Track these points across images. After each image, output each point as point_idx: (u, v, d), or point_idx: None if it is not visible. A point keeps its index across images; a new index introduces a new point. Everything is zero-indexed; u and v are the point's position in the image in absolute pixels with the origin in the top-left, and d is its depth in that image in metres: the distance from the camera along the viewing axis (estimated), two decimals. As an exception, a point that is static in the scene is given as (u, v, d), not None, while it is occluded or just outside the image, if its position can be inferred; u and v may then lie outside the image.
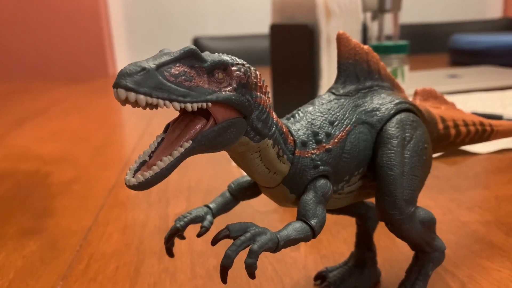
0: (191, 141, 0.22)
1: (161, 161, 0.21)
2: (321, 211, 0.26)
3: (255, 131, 0.24)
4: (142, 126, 0.93)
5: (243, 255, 0.28)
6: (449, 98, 0.99)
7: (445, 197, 0.51)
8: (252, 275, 0.23)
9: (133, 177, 0.21)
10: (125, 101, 0.20)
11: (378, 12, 0.76)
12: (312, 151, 0.27)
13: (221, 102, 0.22)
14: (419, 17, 2.15)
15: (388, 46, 0.69)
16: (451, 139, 0.36)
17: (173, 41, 2.25)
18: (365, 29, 0.73)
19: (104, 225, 0.49)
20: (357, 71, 0.31)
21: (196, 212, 0.29)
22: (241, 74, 0.23)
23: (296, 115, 0.29)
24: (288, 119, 0.29)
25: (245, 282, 0.37)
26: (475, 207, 0.48)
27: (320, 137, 0.27)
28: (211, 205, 0.30)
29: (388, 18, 0.76)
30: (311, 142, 0.27)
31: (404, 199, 0.28)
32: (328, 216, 0.45)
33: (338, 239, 0.43)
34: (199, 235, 0.28)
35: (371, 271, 0.36)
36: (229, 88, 0.23)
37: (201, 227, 0.28)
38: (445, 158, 0.64)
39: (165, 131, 0.23)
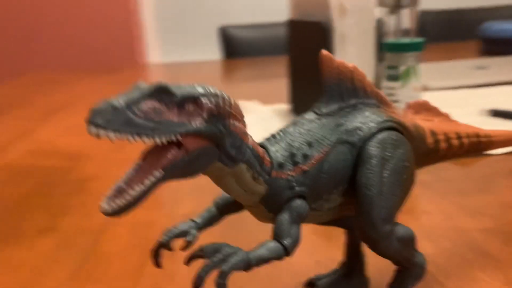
0: (161, 170, 0.23)
1: (133, 189, 0.23)
2: (295, 231, 0.28)
3: (228, 158, 0.26)
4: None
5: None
6: (471, 91, 0.97)
7: (448, 202, 0.51)
8: (223, 293, 0.25)
9: (108, 204, 0.23)
10: (97, 137, 0.22)
11: (395, 7, 0.75)
12: (289, 173, 0.28)
13: (190, 134, 0.24)
14: (449, 3, 2.08)
15: (402, 44, 0.68)
16: (441, 153, 0.36)
17: (200, 30, 2.27)
18: (380, 25, 0.73)
19: (115, 224, 0.51)
20: (341, 90, 0.31)
21: (181, 226, 0.30)
22: (212, 106, 0.24)
23: (277, 135, 0.30)
24: (268, 139, 0.30)
25: (238, 286, 0.39)
26: (476, 213, 0.48)
27: (297, 159, 0.29)
28: (197, 220, 0.31)
29: (405, 13, 0.75)
30: (287, 164, 0.28)
31: (381, 218, 0.29)
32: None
33: (334, 245, 0.44)
34: (182, 249, 0.30)
35: (359, 280, 0.37)
36: (199, 120, 0.24)
37: (186, 242, 0.30)
38: (455, 160, 0.63)
39: (143, 157, 0.25)
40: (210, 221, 0.32)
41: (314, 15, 0.76)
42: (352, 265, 0.37)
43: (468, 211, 0.49)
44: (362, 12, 0.70)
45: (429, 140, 0.35)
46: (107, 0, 2.18)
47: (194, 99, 0.24)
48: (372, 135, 0.31)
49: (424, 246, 0.43)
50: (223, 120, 0.25)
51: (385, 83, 0.70)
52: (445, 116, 0.38)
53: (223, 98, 0.25)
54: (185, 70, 1.59)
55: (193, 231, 0.31)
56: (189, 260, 0.26)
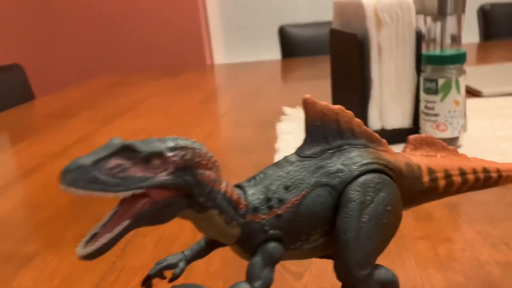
0: (129, 220, 0.26)
1: (102, 237, 0.25)
2: (267, 274, 0.29)
3: (198, 205, 0.27)
4: (209, 127, 0.99)
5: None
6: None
7: (472, 229, 0.49)
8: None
9: (82, 248, 0.25)
10: (68, 192, 0.24)
11: (439, 15, 0.72)
12: (263, 216, 0.29)
13: (154, 187, 0.26)
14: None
15: (442, 57, 0.65)
16: (440, 190, 0.35)
17: (262, 30, 2.29)
18: (420, 36, 0.70)
19: (143, 236, 0.55)
20: (325, 132, 0.32)
21: (170, 259, 0.33)
22: (177, 159, 0.26)
23: (257, 177, 0.31)
24: (249, 181, 0.31)
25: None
26: (501, 244, 0.46)
27: (272, 203, 0.30)
28: (186, 252, 0.33)
29: (450, 21, 0.71)
30: (262, 207, 0.30)
31: (356, 263, 0.29)
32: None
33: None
34: (170, 280, 0.32)
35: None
36: (164, 173, 0.26)
37: (173, 274, 0.32)
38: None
39: (120, 203, 0.27)
40: (199, 253, 0.34)
41: (352, 26, 0.75)
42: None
43: (492, 241, 0.47)
44: (400, 23, 0.68)
45: (425, 178, 0.34)
46: (175, 4, 2.27)
47: (159, 154, 0.26)
48: (354, 178, 0.31)
49: (434, 278, 0.42)
50: (190, 171, 0.27)
51: (423, 96, 0.68)
52: (451, 151, 0.37)
53: (193, 150, 0.27)
54: (246, 70, 1.62)
55: (181, 264, 0.33)
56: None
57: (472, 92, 0.99)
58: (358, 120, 0.33)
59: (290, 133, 0.83)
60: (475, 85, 0.99)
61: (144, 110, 1.20)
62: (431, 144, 0.37)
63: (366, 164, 0.31)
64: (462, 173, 0.36)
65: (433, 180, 0.35)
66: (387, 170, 0.32)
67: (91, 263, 0.50)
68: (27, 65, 2.47)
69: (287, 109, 0.99)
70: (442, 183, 0.35)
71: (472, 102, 0.91)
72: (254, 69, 1.62)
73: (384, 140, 0.34)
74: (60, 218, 0.62)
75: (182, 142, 0.27)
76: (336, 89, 0.83)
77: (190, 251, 0.34)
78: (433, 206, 0.55)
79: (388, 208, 0.31)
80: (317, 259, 0.46)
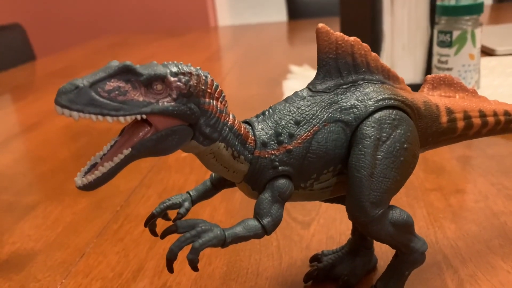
0: (130, 149, 0.24)
1: (103, 166, 0.24)
2: (276, 210, 0.27)
3: (204, 136, 0.26)
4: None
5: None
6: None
7: (486, 180, 0.48)
8: (194, 268, 0.26)
9: (81, 179, 0.24)
10: (63, 115, 0.22)
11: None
12: (272, 152, 0.28)
13: (157, 114, 0.24)
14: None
15: (457, 7, 0.62)
16: (458, 132, 0.33)
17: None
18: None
19: (147, 187, 0.54)
20: (339, 66, 0.30)
21: (174, 199, 0.31)
22: (181, 84, 0.24)
23: (266, 112, 0.29)
24: (257, 116, 0.29)
25: (247, 255, 0.39)
26: (516, 196, 0.45)
27: (282, 138, 0.28)
28: (191, 192, 0.32)
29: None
30: (272, 143, 0.28)
31: (370, 202, 0.28)
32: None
33: (349, 221, 0.43)
34: (174, 220, 0.31)
35: (364, 259, 0.36)
36: (167, 99, 0.24)
37: (177, 213, 0.31)
38: (508, 134, 0.58)
39: (120, 133, 0.25)
40: (204, 194, 0.32)
41: (365, -25, 0.71)
42: (358, 243, 0.36)
43: (507, 193, 0.45)
44: (415, -29, 0.65)
45: (444, 118, 0.33)
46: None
47: (161, 79, 0.24)
48: (369, 114, 0.29)
49: (446, 228, 0.40)
50: (195, 99, 0.25)
51: (437, 50, 0.65)
52: (471, 92, 0.35)
53: (198, 76, 0.25)
54: (251, 32, 1.58)
55: (186, 204, 0.31)
56: (163, 235, 0.27)
57: (485, 51, 0.96)
58: (374, 54, 0.31)
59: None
60: (488, 44, 0.96)
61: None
62: (450, 84, 0.35)
63: (383, 99, 0.29)
64: (482, 115, 0.34)
65: (452, 120, 0.33)
66: (404, 107, 0.30)
67: (94, 212, 0.49)
68: (28, 26, 2.43)
69: (293, 67, 0.96)
70: (461, 124, 0.33)
71: (485, 60, 0.88)
72: (259, 31, 1.58)
73: (401, 78, 0.32)
74: (61, 171, 0.60)
75: (186, 68, 0.25)
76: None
77: (196, 191, 0.32)
78: (445, 159, 0.53)
79: (405, 145, 0.29)
80: (324, 209, 0.45)
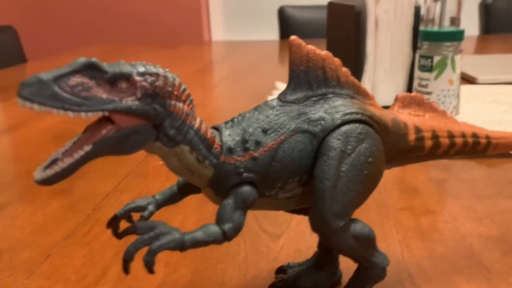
0: (91, 145, 0.24)
1: (62, 161, 0.24)
2: (238, 217, 0.27)
3: (168, 138, 0.26)
4: (201, 97, 0.97)
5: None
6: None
7: (457, 203, 0.48)
8: (150, 270, 0.26)
9: (39, 173, 0.24)
10: (24, 107, 0.23)
11: (440, -7, 0.70)
12: (238, 158, 0.28)
13: (119, 112, 0.24)
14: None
15: (439, 33, 0.64)
16: (425, 151, 0.34)
17: (263, 10, 2.26)
18: (419, 12, 0.68)
19: (122, 192, 0.53)
20: (310, 78, 0.30)
21: (139, 202, 0.31)
22: (147, 84, 0.24)
23: (235, 119, 0.30)
24: (226, 123, 0.30)
25: (213, 264, 0.39)
26: (485, 219, 0.45)
27: (248, 145, 0.28)
28: (157, 196, 0.32)
29: (450, 0, 0.70)
30: (238, 149, 0.28)
31: (332, 213, 0.28)
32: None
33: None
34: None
35: (328, 273, 0.36)
36: (131, 98, 0.24)
37: (141, 216, 0.31)
38: (482, 159, 0.59)
39: (84, 130, 0.26)
40: (170, 199, 0.32)
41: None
42: (324, 257, 0.36)
43: (476, 216, 0.46)
44: (400, -3, 0.66)
45: (411, 136, 0.33)
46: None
47: (126, 77, 0.24)
48: (336, 126, 0.29)
49: (413, 247, 0.41)
50: (161, 100, 0.25)
51: (417, 74, 0.66)
52: (440, 113, 0.36)
53: (165, 78, 0.25)
54: (244, 48, 1.59)
55: (151, 207, 0.31)
56: (122, 235, 0.27)
57: (467, 79, 0.97)
58: (345, 69, 0.31)
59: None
60: (471, 72, 0.98)
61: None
62: (420, 103, 0.35)
63: (350, 113, 0.30)
64: (451, 135, 0.35)
65: (420, 139, 0.33)
66: (371, 122, 0.30)
67: (65, 214, 0.49)
68: (21, 29, 2.43)
69: (279, 84, 0.97)
70: (428, 143, 0.34)
71: (467, 88, 0.89)
72: (251, 48, 1.59)
73: (371, 94, 0.33)
74: (38, 172, 0.60)
75: (153, 69, 0.25)
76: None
77: (161, 195, 0.32)
78: (420, 180, 0.54)
79: (370, 159, 0.29)
80: (295, 223, 0.45)
